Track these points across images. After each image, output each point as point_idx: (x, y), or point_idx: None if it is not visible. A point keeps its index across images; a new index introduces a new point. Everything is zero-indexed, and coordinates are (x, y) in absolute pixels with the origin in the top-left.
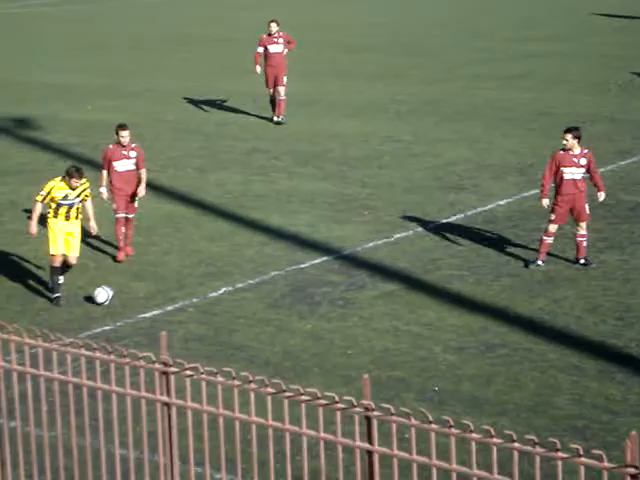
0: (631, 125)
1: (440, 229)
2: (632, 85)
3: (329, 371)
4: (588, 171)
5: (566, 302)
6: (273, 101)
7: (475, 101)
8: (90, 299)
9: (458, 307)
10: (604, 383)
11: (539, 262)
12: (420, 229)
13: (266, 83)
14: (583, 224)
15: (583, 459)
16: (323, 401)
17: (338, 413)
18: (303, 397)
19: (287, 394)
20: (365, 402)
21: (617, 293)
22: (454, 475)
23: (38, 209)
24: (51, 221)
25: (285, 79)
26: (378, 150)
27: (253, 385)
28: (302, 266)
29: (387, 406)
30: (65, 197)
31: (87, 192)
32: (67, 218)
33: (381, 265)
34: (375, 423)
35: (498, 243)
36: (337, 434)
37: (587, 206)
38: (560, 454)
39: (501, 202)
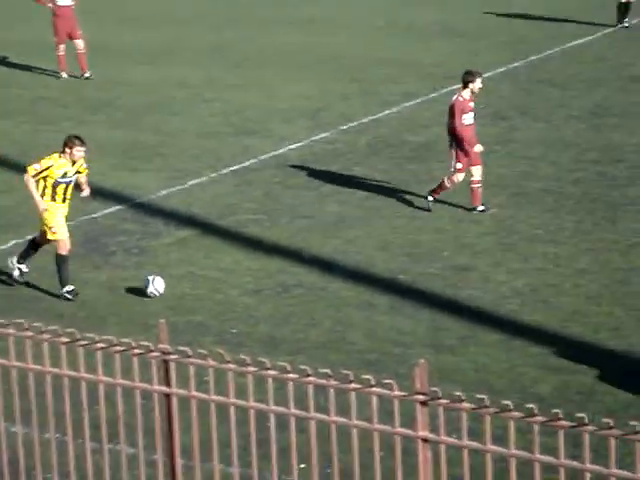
0: (415, 67)
1: (234, 174)
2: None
3: (126, 320)
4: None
5: (358, 241)
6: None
7: (263, 46)
8: None
9: (254, 250)
10: (395, 317)
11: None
12: (214, 175)
13: (57, 37)
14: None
15: (375, 389)
16: (119, 348)
17: (135, 359)
18: (98, 345)
19: (81, 342)
20: (162, 346)
21: (405, 231)
22: (252, 412)
23: (34, 184)
24: (48, 204)
25: (80, 32)
26: (169, 97)
27: (46, 335)
28: (94, 216)
29: (184, 349)
30: (64, 175)
31: (84, 165)
32: (64, 200)
33: (176, 212)
34: (172, 366)
35: (294, 186)
36: (134, 380)
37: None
38: (353, 385)
39: (292, 146)
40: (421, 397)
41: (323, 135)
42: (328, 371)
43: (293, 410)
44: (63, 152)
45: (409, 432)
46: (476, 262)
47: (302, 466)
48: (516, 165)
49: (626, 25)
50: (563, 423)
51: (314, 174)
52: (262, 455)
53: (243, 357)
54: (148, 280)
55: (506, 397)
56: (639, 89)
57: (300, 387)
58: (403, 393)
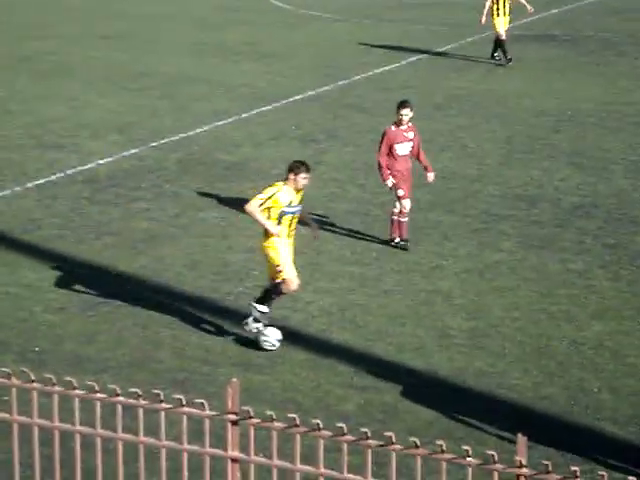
0: (225, 87)
1: (39, 188)
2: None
3: None
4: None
5: (167, 259)
6: None
7: (71, 59)
8: None
9: (60, 267)
10: (204, 336)
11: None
12: (18, 188)
13: None
14: (407, 202)
15: (185, 409)
16: None
17: None
18: None
19: None
20: None
21: (215, 249)
22: (56, 433)
23: (260, 212)
24: (272, 239)
25: None
26: None
27: None
28: None
29: None
30: (290, 204)
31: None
32: (289, 233)
33: None
34: None
35: (102, 202)
36: None
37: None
38: (163, 405)
39: (101, 161)
40: (232, 417)
41: (133, 151)
42: (138, 391)
43: (100, 430)
44: (287, 179)
45: (219, 452)
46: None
47: None
48: (325, 187)
49: (497, 58)
50: (370, 442)
51: (123, 190)
52: (66, 477)
53: (48, 376)
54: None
55: (313, 415)
56: (442, 117)
57: (107, 407)
58: (214, 413)
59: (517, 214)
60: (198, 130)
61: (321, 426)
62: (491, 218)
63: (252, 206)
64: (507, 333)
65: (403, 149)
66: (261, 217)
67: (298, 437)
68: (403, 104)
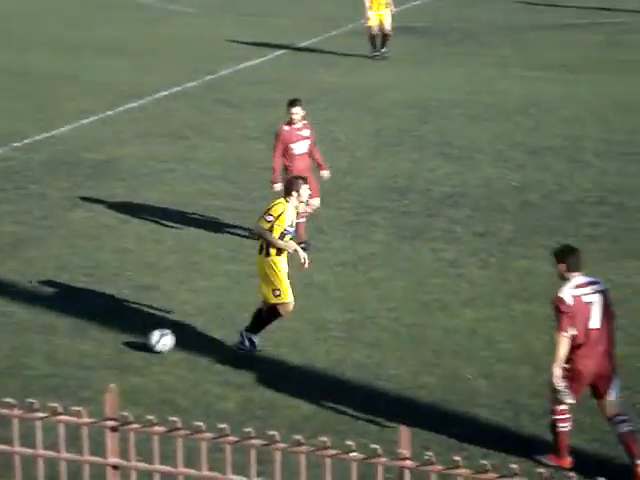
0: (88, 85)
1: None
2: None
3: None
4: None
5: (36, 262)
6: None
7: None
8: None
9: None
10: (77, 340)
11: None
12: None
13: None
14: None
15: (62, 417)
16: None
17: None
18: None
19: None
20: None
21: (85, 251)
22: None
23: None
24: (276, 259)
25: None
26: None
27: None
28: None
29: None
30: (291, 224)
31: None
32: (285, 253)
33: None
34: None
35: None
36: None
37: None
38: (39, 414)
39: None
40: (111, 423)
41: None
42: (11, 400)
43: None
44: (288, 196)
45: (98, 459)
46: (160, 281)
47: None
48: (196, 184)
49: (377, 54)
50: (254, 442)
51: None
52: None
53: None
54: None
55: (192, 416)
56: (311, 110)
57: None
58: (92, 420)
59: (389, 205)
60: (63, 129)
61: (203, 428)
62: (364, 210)
63: (261, 228)
64: (383, 324)
65: (300, 148)
66: (271, 237)
67: (180, 440)
68: (293, 103)
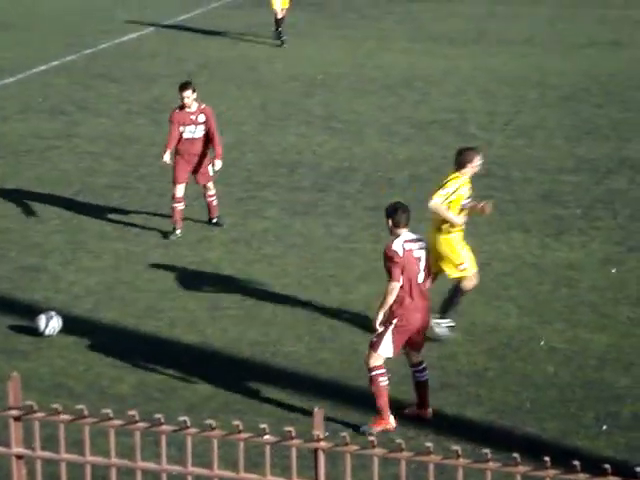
0: None
1: None
2: None
3: None
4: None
5: None
6: None
7: None
8: None
9: None
10: None
11: (177, 232)
12: None
13: None
14: (209, 184)
15: None
16: None
17: None
18: None
19: None
20: None
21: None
22: None
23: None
24: (451, 236)
25: None
26: None
27: None
28: None
29: None
30: (469, 197)
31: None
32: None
33: None
34: None
35: None
36: None
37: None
38: None
39: None
40: (15, 412)
41: None
42: None
43: None
44: (462, 169)
45: (2, 449)
46: (46, 262)
47: None
48: (80, 161)
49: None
50: (164, 428)
51: None
52: None
53: None
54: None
55: (86, 400)
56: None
57: None
58: None
59: (279, 181)
60: None
61: (111, 415)
62: (253, 186)
63: (436, 203)
64: (278, 301)
65: (189, 132)
66: (447, 212)
67: (87, 428)
68: (183, 86)
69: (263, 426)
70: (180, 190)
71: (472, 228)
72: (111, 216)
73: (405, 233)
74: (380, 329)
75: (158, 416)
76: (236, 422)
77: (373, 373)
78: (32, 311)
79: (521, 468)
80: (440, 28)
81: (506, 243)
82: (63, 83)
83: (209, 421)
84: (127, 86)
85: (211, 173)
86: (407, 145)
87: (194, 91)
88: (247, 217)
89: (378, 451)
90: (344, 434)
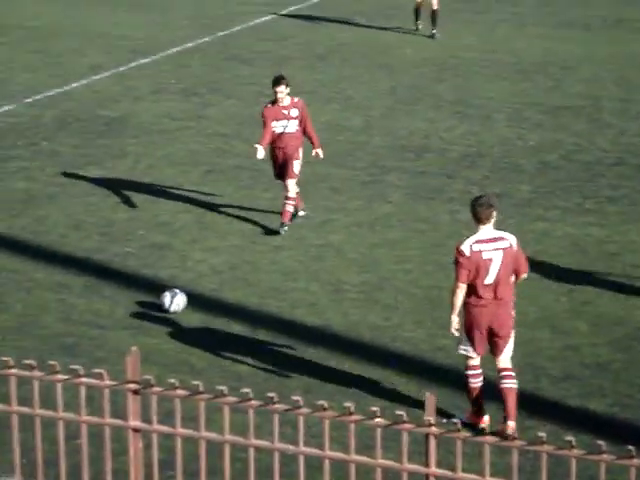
0: (101, 39)
1: None
2: None
3: None
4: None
5: (49, 220)
6: None
7: None
8: None
9: None
10: (91, 299)
11: (301, 212)
12: None
13: None
14: (289, 184)
15: (84, 379)
16: None
17: None
18: None
19: None
20: None
21: (99, 209)
22: None
23: None
24: None
25: None
26: None
27: None
28: None
29: None
30: None
31: None
32: None
33: None
34: None
35: None
36: None
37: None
38: (60, 376)
39: None
40: (133, 386)
41: (7, 108)
42: (32, 362)
43: None
44: None
45: (120, 422)
46: (173, 241)
47: None
48: (210, 142)
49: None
50: (277, 407)
51: None
52: None
53: None
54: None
55: (207, 377)
56: (325, 67)
57: None
58: (114, 382)
59: (404, 165)
60: (74, 85)
61: (225, 392)
62: (379, 170)
63: None
64: (400, 286)
65: (281, 127)
66: None
67: (202, 404)
68: (277, 81)
69: (375, 409)
70: (292, 186)
71: (602, 218)
72: (238, 197)
73: (482, 231)
74: (455, 332)
75: (271, 395)
76: (348, 404)
77: (466, 372)
78: (158, 288)
79: (635, 461)
80: (576, 13)
81: (638, 234)
82: (196, 65)
83: (321, 402)
84: (258, 68)
85: (296, 170)
86: (537, 131)
87: (287, 86)
88: (371, 201)
89: (490, 439)
90: (456, 420)
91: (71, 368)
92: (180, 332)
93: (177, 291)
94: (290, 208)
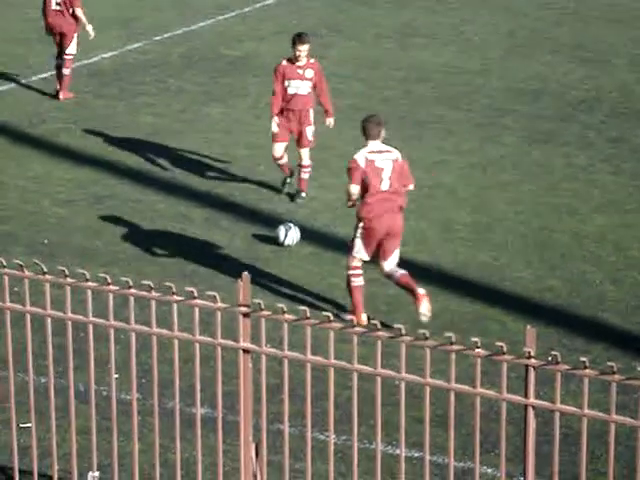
0: None
1: (45, 82)
2: None
3: None
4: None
5: (172, 154)
6: None
7: None
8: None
9: (66, 160)
10: (210, 230)
11: (288, 180)
12: (24, 81)
13: None
14: (303, 152)
15: (197, 301)
16: None
17: None
18: None
19: None
20: None
21: (219, 145)
22: (69, 324)
23: None
24: None
25: None
26: None
27: None
28: None
29: None
30: None
31: None
32: None
33: None
34: None
35: (107, 96)
36: None
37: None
38: (175, 297)
39: (105, 55)
40: (244, 309)
41: (136, 45)
42: (150, 283)
43: (113, 322)
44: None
45: (231, 343)
46: (291, 178)
47: (116, 376)
48: (329, 82)
49: None
50: (380, 334)
51: (127, 85)
52: (77, 366)
53: (61, 268)
54: (284, 230)
55: (319, 308)
56: (445, 10)
57: (119, 299)
58: (226, 305)
59: (520, 109)
60: (201, 24)
61: (331, 318)
62: (494, 113)
63: None
64: (510, 226)
65: (294, 88)
66: None
67: (309, 329)
68: (299, 39)
69: (475, 339)
70: (278, 149)
71: None
72: (353, 136)
73: (372, 144)
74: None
75: (374, 322)
76: (448, 334)
77: (347, 272)
78: (275, 222)
79: None
80: None
81: None
82: (318, 6)
83: (423, 331)
84: (379, 10)
85: (310, 137)
86: None
87: (309, 45)
88: (485, 143)
89: (589, 372)
90: (555, 353)
91: (186, 290)
92: (293, 265)
93: (291, 225)
94: (306, 176)
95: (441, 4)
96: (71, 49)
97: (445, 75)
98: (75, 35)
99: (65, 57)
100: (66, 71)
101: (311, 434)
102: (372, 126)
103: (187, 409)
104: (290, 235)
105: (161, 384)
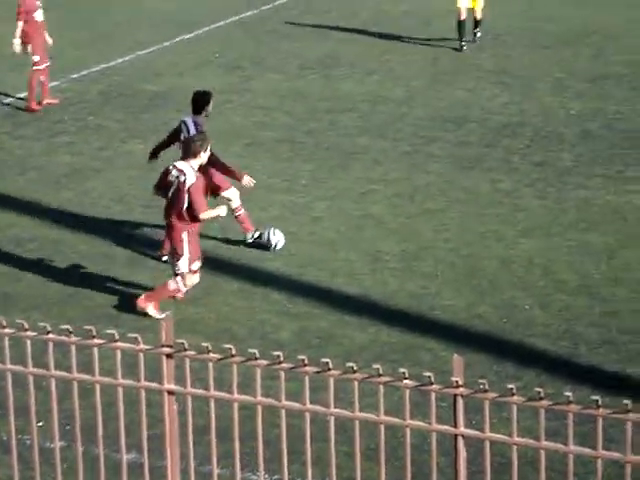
0: (147, 15)
1: None
2: None
3: None
4: None
5: (93, 193)
6: None
7: None
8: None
9: None
10: (134, 270)
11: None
12: None
13: None
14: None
15: (119, 343)
16: None
17: None
18: None
19: None
20: None
21: (142, 182)
22: (9, 374)
23: None
24: None
25: None
26: None
27: None
28: None
29: None
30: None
31: None
32: None
33: None
34: None
35: (23, 137)
36: None
37: None
38: (96, 341)
39: (21, 95)
40: (167, 350)
41: (54, 83)
42: (69, 327)
43: (32, 369)
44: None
45: (155, 385)
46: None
47: (40, 424)
48: (251, 115)
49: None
50: (307, 369)
51: (45, 124)
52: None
53: None
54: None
55: (249, 344)
56: (366, 40)
57: (38, 344)
58: (148, 347)
59: (445, 136)
60: (120, 60)
61: (257, 355)
62: (420, 140)
63: None
64: (438, 255)
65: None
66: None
67: (235, 367)
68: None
69: (403, 370)
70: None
71: None
72: (278, 169)
73: (178, 162)
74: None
75: (302, 357)
76: (376, 366)
77: (184, 283)
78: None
79: None
80: None
81: None
82: (239, 38)
83: (350, 364)
84: (300, 42)
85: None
86: (579, 100)
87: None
88: (412, 171)
89: (517, 399)
90: (483, 381)
91: (107, 333)
92: (221, 301)
93: (271, 227)
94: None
95: (361, 34)
96: None
97: (370, 105)
98: None
99: None
100: None
101: (242, 474)
102: (183, 146)
103: (113, 455)
104: (274, 237)
105: (85, 430)
